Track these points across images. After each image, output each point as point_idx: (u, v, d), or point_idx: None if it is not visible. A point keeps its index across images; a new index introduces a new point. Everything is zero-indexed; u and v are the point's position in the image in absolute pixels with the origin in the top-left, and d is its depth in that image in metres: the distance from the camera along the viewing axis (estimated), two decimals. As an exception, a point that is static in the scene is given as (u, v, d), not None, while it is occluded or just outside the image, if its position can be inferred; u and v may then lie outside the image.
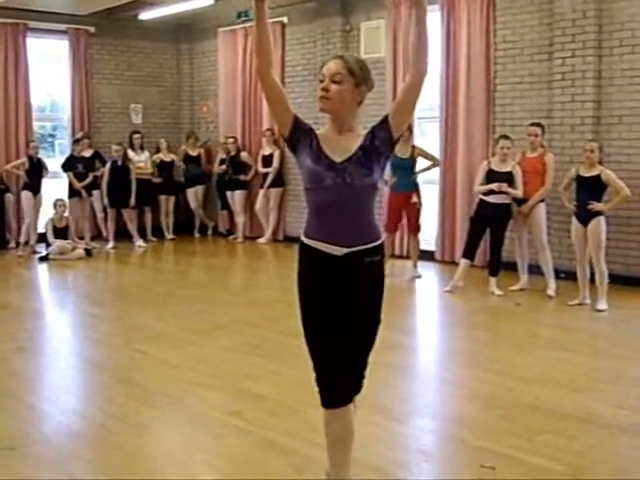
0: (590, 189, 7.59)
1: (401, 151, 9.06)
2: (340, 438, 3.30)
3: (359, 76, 3.20)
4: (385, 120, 3.25)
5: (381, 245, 3.27)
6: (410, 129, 9.15)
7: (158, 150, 13.45)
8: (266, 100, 3.36)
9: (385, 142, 3.23)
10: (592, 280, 7.76)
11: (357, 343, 3.26)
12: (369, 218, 3.24)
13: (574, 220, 7.76)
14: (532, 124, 8.58)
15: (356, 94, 3.21)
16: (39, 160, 12.02)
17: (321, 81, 3.22)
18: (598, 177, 7.56)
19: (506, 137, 8.55)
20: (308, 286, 3.26)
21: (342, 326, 3.21)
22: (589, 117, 8.92)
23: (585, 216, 7.60)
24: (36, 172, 11.91)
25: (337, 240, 3.15)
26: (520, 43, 9.67)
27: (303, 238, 3.26)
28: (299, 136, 3.27)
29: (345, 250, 3.15)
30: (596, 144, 7.73)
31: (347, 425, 3.27)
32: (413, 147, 9.33)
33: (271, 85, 3.25)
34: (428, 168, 9.74)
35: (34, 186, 11.87)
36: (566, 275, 8.63)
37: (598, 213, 7.56)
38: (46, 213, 11.85)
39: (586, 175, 7.62)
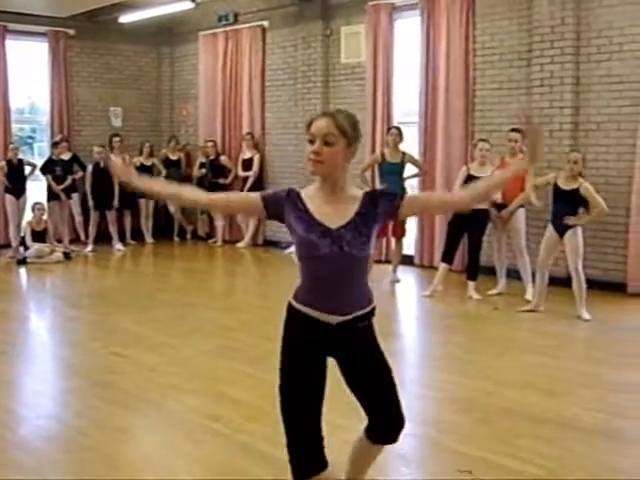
0: (568, 202, 7.50)
1: (392, 156, 9.09)
2: None
3: (351, 136, 2.98)
4: (400, 199, 3.07)
5: (373, 309, 3.11)
6: (401, 134, 9.19)
7: (141, 153, 13.39)
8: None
9: (387, 215, 3.09)
10: (569, 285, 7.78)
11: (377, 389, 3.15)
12: (362, 283, 3.09)
13: (550, 227, 7.72)
14: (512, 130, 8.61)
15: (348, 153, 3.00)
16: (20, 161, 11.86)
17: (310, 141, 2.96)
18: (577, 191, 7.48)
19: (484, 140, 8.60)
20: (295, 350, 3.06)
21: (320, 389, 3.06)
22: (567, 123, 8.99)
23: (562, 227, 7.55)
24: (17, 175, 11.76)
25: (332, 309, 3.00)
26: (499, 49, 9.73)
27: (294, 302, 3.06)
28: (277, 210, 3.04)
29: (340, 319, 3.00)
30: (580, 155, 7.68)
31: None
32: (403, 153, 9.35)
33: (222, 208, 3.46)
34: (415, 175, 9.80)
35: (16, 189, 11.75)
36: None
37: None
38: (26, 216, 11.77)
39: (566, 188, 7.51)
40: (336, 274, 2.96)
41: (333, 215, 2.98)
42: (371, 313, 3.10)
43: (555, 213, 7.64)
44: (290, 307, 3.08)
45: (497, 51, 9.75)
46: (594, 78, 8.84)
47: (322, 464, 3.03)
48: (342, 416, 4.08)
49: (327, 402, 3.02)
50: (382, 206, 3.03)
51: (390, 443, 3.24)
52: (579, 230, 7.55)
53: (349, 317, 3.01)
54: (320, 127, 2.94)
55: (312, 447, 3.02)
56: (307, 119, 3.09)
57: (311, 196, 3.03)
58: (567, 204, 7.51)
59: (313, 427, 3.03)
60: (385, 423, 3.17)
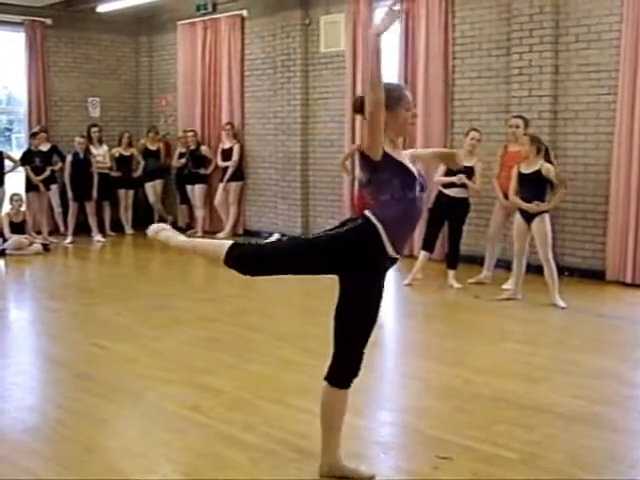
0: (532, 186, 7.50)
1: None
2: (340, 414, 3.69)
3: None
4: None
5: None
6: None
7: (120, 143, 13.32)
8: (376, 128, 3.33)
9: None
10: (542, 273, 7.79)
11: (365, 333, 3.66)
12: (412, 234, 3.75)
13: (518, 215, 7.73)
14: (514, 116, 8.62)
15: None
16: (0, 153, 11.77)
17: (408, 109, 3.55)
18: (539, 172, 7.49)
19: (476, 130, 8.56)
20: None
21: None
22: (546, 112, 9.02)
23: (528, 214, 7.58)
24: None
25: (398, 247, 3.59)
26: (478, 38, 9.75)
27: (379, 227, 3.47)
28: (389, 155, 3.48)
29: (395, 255, 3.63)
30: (527, 138, 7.70)
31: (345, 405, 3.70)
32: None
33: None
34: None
35: None
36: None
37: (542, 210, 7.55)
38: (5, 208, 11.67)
39: (527, 172, 7.52)
40: (418, 215, 3.58)
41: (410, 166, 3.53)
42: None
43: (522, 199, 7.64)
44: (371, 225, 3.49)
45: (476, 40, 9.77)
46: (573, 67, 8.88)
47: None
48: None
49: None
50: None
51: (346, 387, 3.62)
52: (546, 217, 7.57)
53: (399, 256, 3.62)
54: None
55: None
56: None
57: (394, 152, 3.51)
58: (531, 188, 7.51)
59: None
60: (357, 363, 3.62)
